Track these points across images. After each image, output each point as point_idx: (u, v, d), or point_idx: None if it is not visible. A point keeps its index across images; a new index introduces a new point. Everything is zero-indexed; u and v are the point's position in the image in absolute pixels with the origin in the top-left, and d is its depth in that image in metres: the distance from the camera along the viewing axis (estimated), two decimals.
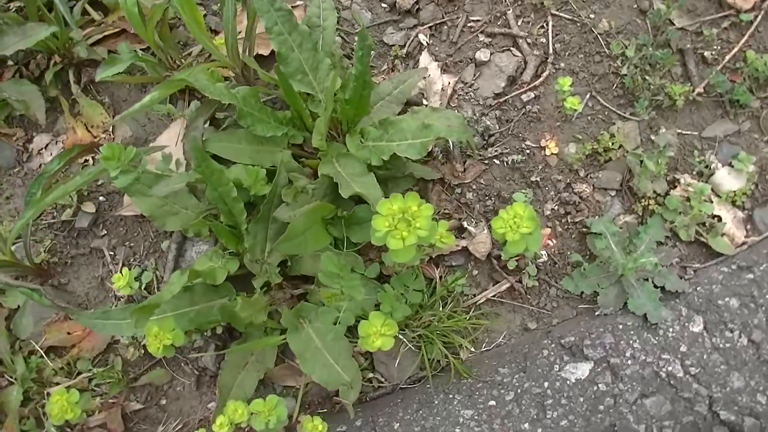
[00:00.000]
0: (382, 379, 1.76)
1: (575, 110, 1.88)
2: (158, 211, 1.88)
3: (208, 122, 2.06)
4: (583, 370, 1.58)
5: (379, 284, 1.73)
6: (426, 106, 1.90)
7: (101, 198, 2.17)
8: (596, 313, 1.74)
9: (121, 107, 2.30)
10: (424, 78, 2.08)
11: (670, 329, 1.61)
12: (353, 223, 1.69)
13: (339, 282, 1.35)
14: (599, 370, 1.57)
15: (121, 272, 1.83)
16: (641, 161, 1.82)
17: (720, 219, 1.79)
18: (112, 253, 2.08)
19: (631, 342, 1.60)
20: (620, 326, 1.65)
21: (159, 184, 1.67)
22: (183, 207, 1.88)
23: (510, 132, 1.99)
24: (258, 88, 1.88)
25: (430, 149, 1.99)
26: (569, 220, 1.88)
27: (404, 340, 1.75)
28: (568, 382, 1.56)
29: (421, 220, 1.32)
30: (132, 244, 2.09)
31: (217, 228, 1.67)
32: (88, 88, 2.32)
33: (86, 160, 2.19)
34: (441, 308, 1.81)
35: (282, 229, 1.65)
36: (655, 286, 1.69)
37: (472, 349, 1.77)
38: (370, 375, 1.76)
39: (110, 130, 2.25)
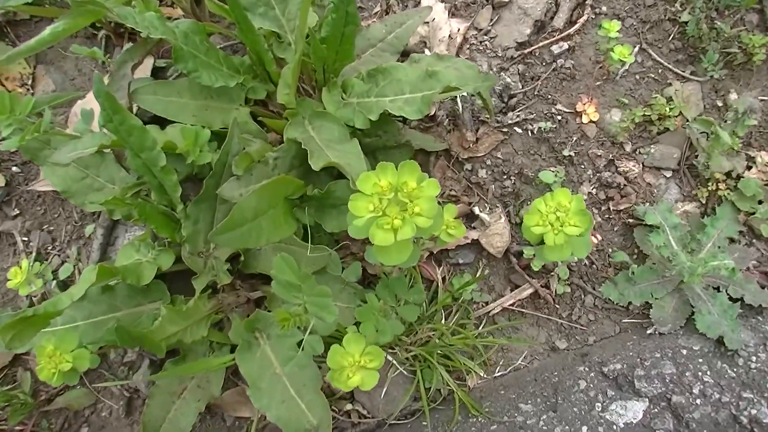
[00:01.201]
0: (364, 412, 1.34)
1: (623, 63, 1.44)
2: (76, 186, 1.43)
3: (150, 73, 1.61)
4: (635, 410, 1.16)
5: (360, 288, 1.29)
6: (430, 54, 1.45)
7: (14, 169, 1.71)
8: (648, 332, 1.32)
9: (46, 56, 1.83)
10: (427, 22, 1.62)
11: (753, 358, 1.19)
12: (328, 205, 1.25)
13: (299, 296, 0.92)
14: (657, 411, 1.15)
15: (19, 265, 1.38)
16: (710, 132, 1.38)
17: None
18: (25, 238, 1.64)
19: (699, 374, 1.18)
20: (683, 351, 1.23)
21: (62, 148, 1.22)
22: (108, 180, 1.44)
23: (536, 92, 1.55)
24: (209, 25, 1.42)
25: (433, 111, 1.54)
26: (611, 208, 1.45)
27: (393, 362, 1.32)
28: (615, 427, 1.15)
29: (422, 202, 0.89)
30: (51, 228, 1.65)
31: (144, 209, 1.23)
32: (3, 32, 1.85)
33: None
34: (443, 320, 1.38)
35: None
36: (731, 299, 1.27)
37: (483, 375, 1.35)
38: (348, 407, 1.34)
39: (29, 83, 1.79)
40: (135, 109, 1.56)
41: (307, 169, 1.24)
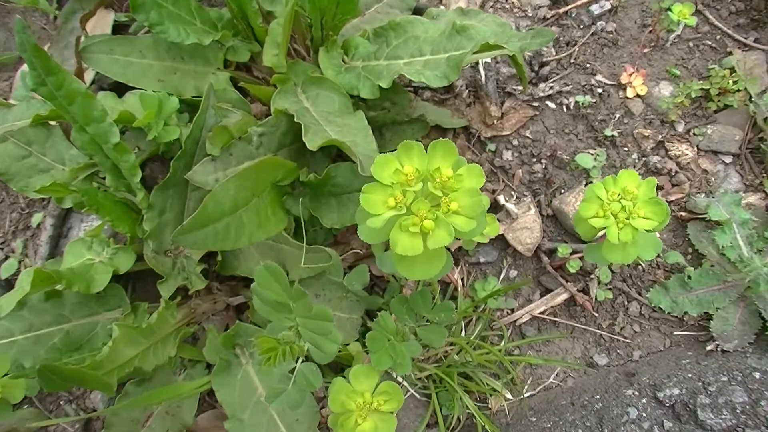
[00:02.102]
0: None
1: (680, 26, 1.20)
2: (16, 166, 1.17)
3: (112, 30, 1.34)
4: None
5: (365, 295, 1.06)
6: (451, 9, 1.20)
7: None
8: (707, 348, 1.11)
9: None
10: None
11: None
12: (326, 193, 1.01)
13: (288, 317, 0.68)
14: None
15: None
16: None
17: None
18: None
19: None
20: (756, 375, 1.03)
21: None
22: (56, 160, 1.18)
23: (572, 60, 1.30)
24: None
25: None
26: (661, 199, 1.22)
27: (404, 383, 1.10)
28: None
29: (461, 196, 0.66)
30: None
31: (93, 197, 0.97)
32: None
33: None
34: (462, 332, 1.16)
35: None
36: None
37: (509, 396, 1.14)
38: None
39: None
40: (92, 75, 1.29)
41: (301, 148, 1.00)
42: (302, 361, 0.77)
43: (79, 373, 0.78)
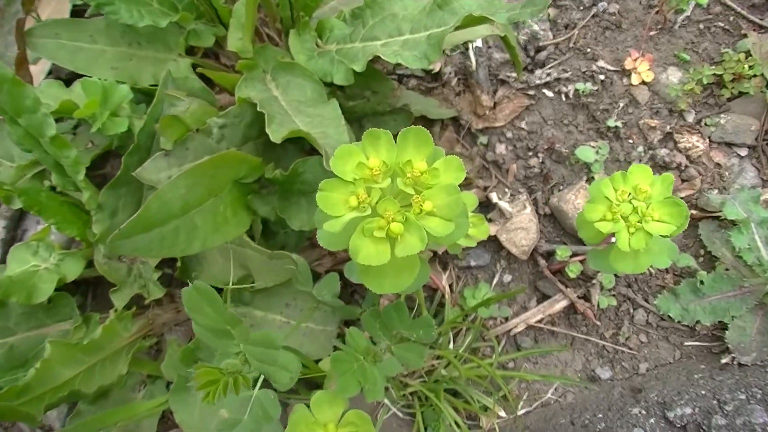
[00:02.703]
0: None
1: (689, 5, 1.09)
2: None
3: (70, 15, 1.23)
4: None
5: (340, 304, 0.95)
6: None
7: None
8: (722, 361, 1.00)
9: None
10: None
11: None
12: (294, 192, 0.90)
13: (231, 345, 0.57)
14: None
15: None
16: None
17: None
18: None
19: None
20: None
21: None
22: (4, 156, 1.07)
23: (572, 44, 1.19)
24: None
25: (438, 67, 1.19)
26: (679, 198, 1.11)
27: (386, 401, 0.99)
28: None
29: (437, 194, 0.55)
30: None
31: (34, 197, 0.87)
32: None
33: None
34: (450, 344, 1.05)
35: None
36: None
37: (502, 414, 1.03)
38: None
39: None
40: (49, 65, 1.18)
41: (269, 142, 0.89)
42: (259, 388, 0.67)
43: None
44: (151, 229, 0.72)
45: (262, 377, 0.68)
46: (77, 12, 1.25)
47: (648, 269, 1.10)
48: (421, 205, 0.55)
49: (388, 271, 0.57)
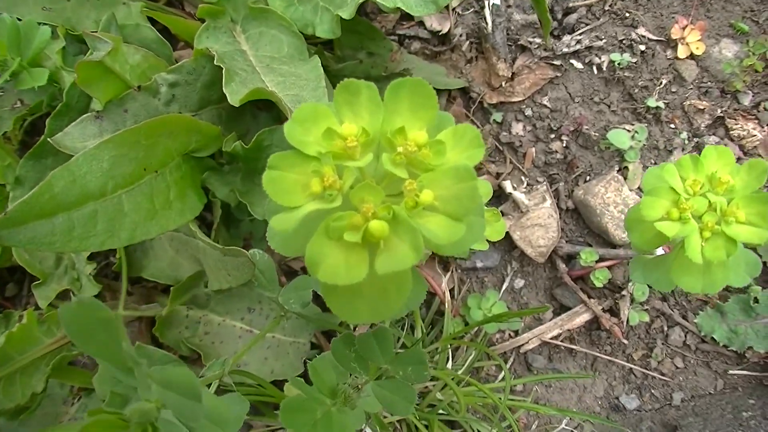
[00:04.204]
0: None
1: None
2: None
3: None
4: None
5: (317, 313, 0.77)
6: None
7: None
8: None
9: None
10: None
11: None
12: (260, 170, 0.71)
13: (135, 382, 0.40)
14: None
15: None
16: None
17: None
18: None
19: None
20: None
21: None
22: None
23: (608, 8, 1.00)
24: None
25: (447, 28, 0.99)
26: None
27: (367, 430, 0.82)
28: None
29: (442, 179, 0.36)
30: None
31: None
32: None
33: None
34: (448, 362, 0.87)
35: None
36: None
37: None
38: None
39: None
40: None
41: (235, 109, 0.71)
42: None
43: None
44: (55, 214, 0.54)
45: None
46: None
47: None
48: (417, 195, 0.37)
49: (365, 292, 0.39)
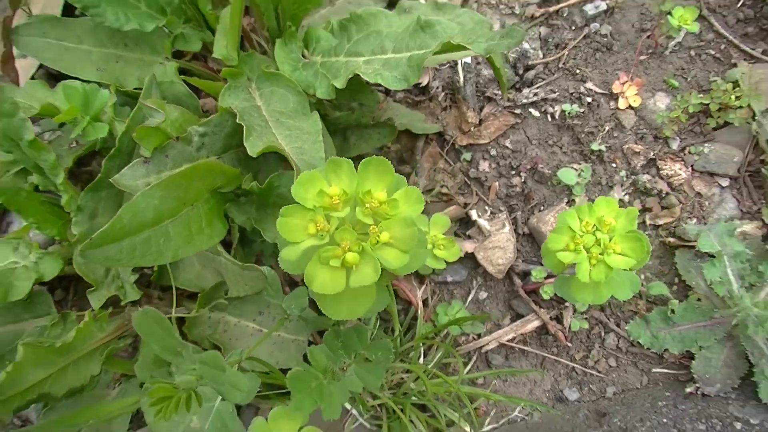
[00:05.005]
0: None
1: (678, 33, 1.09)
2: None
3: (61, 10, 1.24)
4: None
5: (313, 316, 0.96)
6: (424, 2, 1.09)
7: None
8: (687, 390, 1.01)
9: None
10: None
11: None
12: (270, 203, 0.91)
13: (187, 363, 0.59)
14: None
15: None
16: None
17: None
18: None
19: None
20: (737, 425, 0.93)
21: None
22: None
23: (561, 65, 1.19)
24: None
25: (425, 81, 1.19)
26: (648, 222, 1.12)
27: (353, 412, 1.01)
28: None
29: (394, 225, 0.56)
30: None
31: (14, 197, 0.88)
32: None
33: None
34: (421, 358, 1.06)
35: None
36: None
37: (468, 430, 1.04)
38: None
39: None
40: (34, 65, 1.19)
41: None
42: (220, 400, 0.68)
43: None
44: (122, 239, 0.73)
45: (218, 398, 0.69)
46: (70, 7, 1.25)
47: None
48: (378, 236, 0.56)
49: (344, 298, 0.58)
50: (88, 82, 0.99)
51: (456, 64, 1.17)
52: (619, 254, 0.68)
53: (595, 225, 0.70)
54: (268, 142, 0.83)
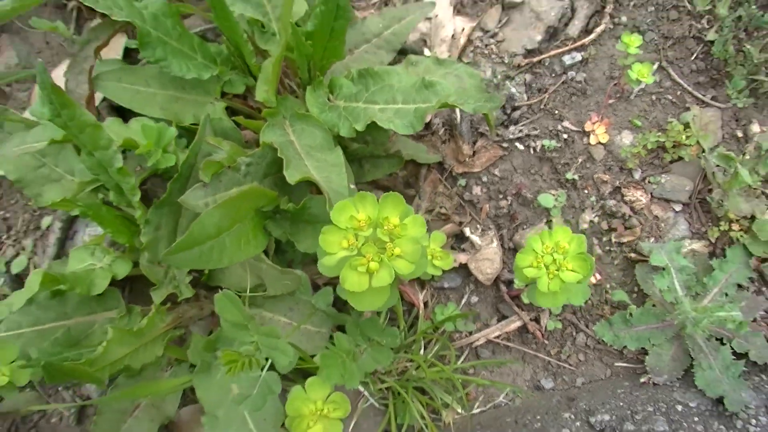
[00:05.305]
0: None
1: (641, 83, 1.31)
2: (30, 175, 1.30)
3: (122, 54, 1.47)
4: None
5: (333, 312, 1.18)
6: (428, 56, 1.31)
7: None
8: (641, 380, 1.22)
9: (12, 25, 1.67)
10: (429, 18, 1.48)
11: (753, 421, 1.10)
12: (303, 221, 1.13)
13: (248, 336, 0.80)
14: None
15: None
16: (728, 166, 1.27)
17: None
18: None
19: None
20: (678, 407, 1.14)
21: (11, 139, 1.09)
22: (67, 171, 1.31)
23: (542, 106, 1.42)
24: (185, 6, 1.28)
25: (428, 119, 1.41)
26: (613, 240, 1.33)
27: (365, 393, 1.22)
28: None
29: (405, 243, 0.78)
30: (7, 215, 1.52)
31: (97, 212, 1.10)
32: None
33: None
34: (422, 350, 1.28)
35: None
36: (735, 354, 1.17)
37: (460, 410, 1.25)
38: None
39: None
40: (100, 98, 1.42)
41: (284, 177, 1.11)
42: (266, 370, 0.90)
43: (76, 369, 0.91)
44: (193, 247, 0.95)
45: (268, 364, 0.91)
46: (129, 51, 1.49)
47: (590, 301, 1.32)
48: (393, 251, 0.78)
49: (367, 295, 0.80)
50: (154, 118, 1.22)
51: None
52: (571, 270, 0.90)
53: (553, 248, 0.92)
54: (304, 173, 1.05)
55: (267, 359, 0.87)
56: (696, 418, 1.12)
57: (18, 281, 1.44)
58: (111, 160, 1.04)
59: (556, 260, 0.89)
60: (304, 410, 0.87)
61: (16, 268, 1.43)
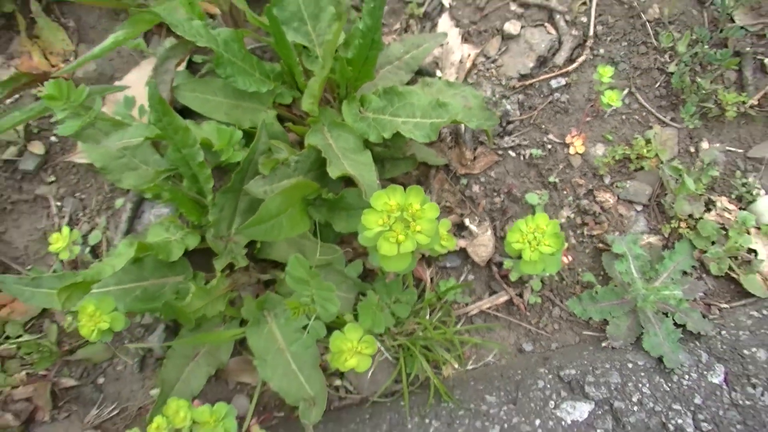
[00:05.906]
0: (351, 389, 1.54)
1: (611, 107, 1.61)
2: (113, 164, 1.60)
3: (185, 65, 1.77)
4: (581, 410, 1.37)
5: (359, 282, 1.48)
6: (440, 78, 1.62)
7: (53, 138, 1.87)
8: (603, 345, 1.52)
9: (87, 34, 1.97)
10: (441, 45, 1.79)
11: (686, 376, 1.40)
12: (339, 208, 1.43)
13: (308, 290, 1.10)
14: (600, 413, 1.36)
15: (60, 230, 1.55)
16: (678, 176, 1.57)
17: (756, 254, 1.57)
18: (59, 203, 1.80)
19: (639, 385, 1.39)
20: (629, 365, 1.44)
21: (112, 135, 1.38)
22: (143, 162, 1.60)
23: (532, 121, 1.72)
24: (245, 32, 1.57)
25: None
26: (585, 233, 1.64)
27: (381, 348, 1.52)
28: (563, 423, 1.35)
29: (423, 222, 1.07)
30: (83, 197, 1.81)
31: (176, 195, 1.40)
32: (50, 7, 1.98)
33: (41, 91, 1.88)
34: (428, 316, 1.58)
35: (253, 204, 1.40)
36: (676, 325, 1.47)
37: (457, 366, 1.55)
38: (338, 382, 1.54)
39: (71, 59, 1.93)
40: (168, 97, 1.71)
41: (324, 173, 1.41)
42: (314, 319, 1.20)
43: (180, 309, 1.21)
44: (261, 224, 1.25)
45: (314, 316, 1.21)
46: (191, 63, 1.78)
47: (565, 281, 1.62)
48: (415, 228, 1.08)
49: (394, 259, 1.10)
50: (219, 122, 1.52)
51: None
52: (547, 245, 1.20)
53: (534, 228, 1.22)
54: (342, 170, 1.35)
55: (314, 312, 1.17)
56: (642, 373, 1.42)
57: (94, 254, 1.73)
58: (195, 156, 1.34)
59: (537, 237, 1.19)
60: (343, 347, 1.17)
61: (92, 241, 1.72)
